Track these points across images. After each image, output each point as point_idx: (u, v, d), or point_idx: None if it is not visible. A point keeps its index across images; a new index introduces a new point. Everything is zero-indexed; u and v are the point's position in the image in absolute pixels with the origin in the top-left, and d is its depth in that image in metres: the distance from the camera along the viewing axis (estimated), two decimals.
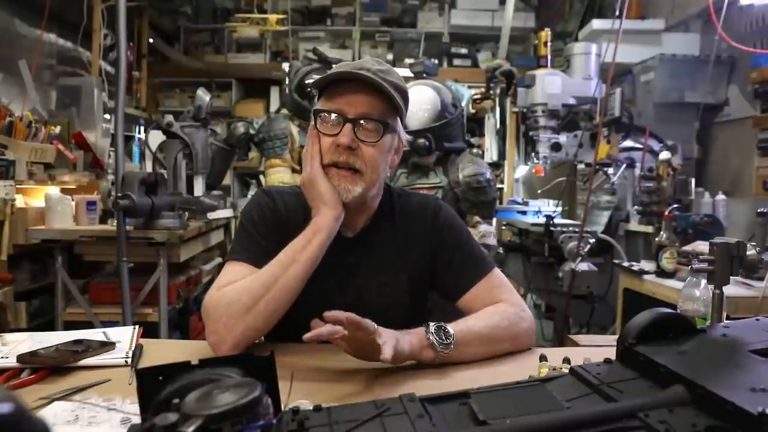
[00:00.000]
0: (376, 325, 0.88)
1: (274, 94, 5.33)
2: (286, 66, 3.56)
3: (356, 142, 1.05)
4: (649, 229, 3.03)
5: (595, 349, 1.06)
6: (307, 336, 0.84)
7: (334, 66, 1.15)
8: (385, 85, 1.04)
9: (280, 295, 1.01)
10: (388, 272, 1.15)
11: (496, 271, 1.16)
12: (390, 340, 0.89)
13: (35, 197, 2.72)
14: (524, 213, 4.07)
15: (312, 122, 1.11)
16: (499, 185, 4.81)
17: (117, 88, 2.31)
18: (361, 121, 1.05)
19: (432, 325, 0.98)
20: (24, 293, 2.48)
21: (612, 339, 1.15)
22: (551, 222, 3.14)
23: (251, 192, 5.38)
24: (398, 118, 1.11)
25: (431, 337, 0.96)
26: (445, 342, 0.96)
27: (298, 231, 1.06)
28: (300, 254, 1.03)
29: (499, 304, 1.10)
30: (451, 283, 1.16)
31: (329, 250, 1.13)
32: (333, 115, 1.06)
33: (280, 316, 1.03)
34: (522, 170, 5.15)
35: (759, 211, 2.42)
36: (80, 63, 4.07)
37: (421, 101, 2.50)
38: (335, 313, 0.85)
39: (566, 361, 0.93)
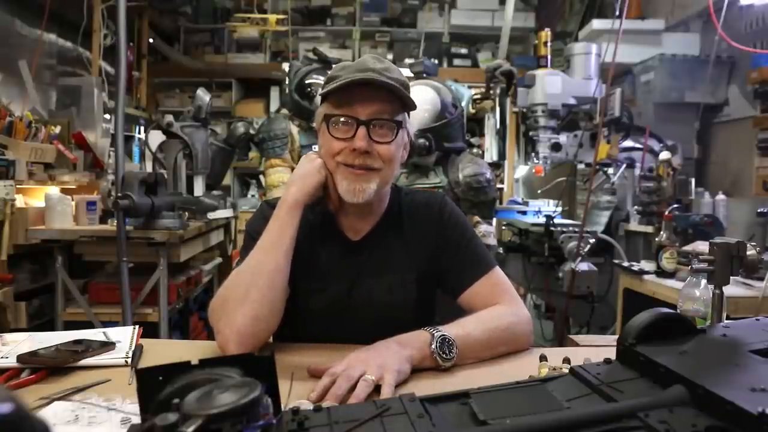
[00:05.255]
0: (373, 378, 0.85)
1: (274, 94, 5.34)
2: (286, 66, 3.56)
3: (371, 144, 1.05)
4: (649, 229, 3.03)
5: (595, 349, 1.06)
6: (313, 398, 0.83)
7: (333, 66, 1.14)
8: (394, 85, 1.04)
9: (270, 277, 1.00)
10: (397, 271, 1.16)
11: (498, 270, 1.17)
12: (389, 378, 0.86)
13: (35, 197, 2.72)
14: (524, 213, 4.08)
15: (321, 126, 1.11)
16: (499, 185, 4.81)
17: (117, 88, 2.31)
18: (374, 123, 1.05)
19: (437, 336, 0.96)
20: (24, 293, 2.47)
21: (612, 339, 1.15)
22: (551, 222, 3.14)
23: (251, 192, 5.39)
24: (406, 114, 1.12)
25: (435, 351, 0.95)
26: (449, 357, 0.96)
27: (301, 245, 1.07)
28: (277, 234, 1.03)
29: (497, 306, 1.10)
30: (452, 279, 1.16)
31: (336, 255, 1.15)
32: (345, 119, 1.05)
33: (278, 301, 1.02)
34: (522, 170, 5.15)
35: (759, 211, 2.42)
36: (80, 63, 4.07)
37: (421, 101, 2.50)
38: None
39: (566, 361, 0.93)
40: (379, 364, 0.87)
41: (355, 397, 0.81)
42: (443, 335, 0.97)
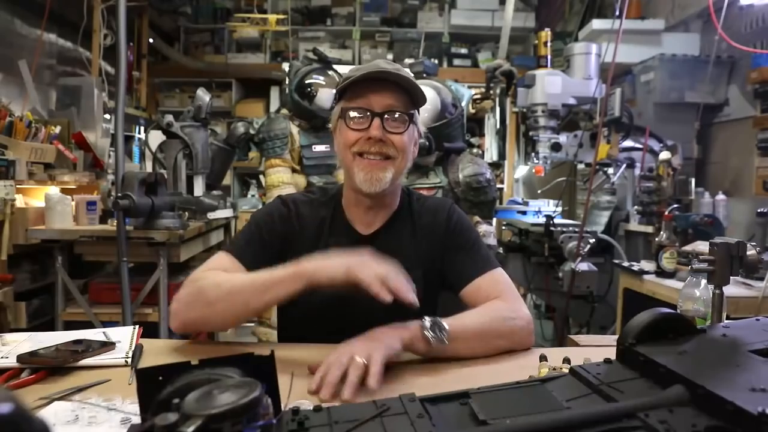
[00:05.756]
0: (363, 360, 0.89)
1: (274, 94, 5.33)
2: (286, 66, 3.55)
3: (386, 134, 1.12)
4: (649, 229, 3.03)
5: (595, 349, 1.06)
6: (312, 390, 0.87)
7: (348, 69, 1.20)
8: (406, 78, 1.13)
9: (242, 309, 1.03)
10: (405, 266, 1.16)
11: (501, 270, 1.20)
12: (377, 356, 0.89)
13: (35, 197, 2.72)
14: (524, 213, 4.07)
15: (337, 123, 1.17)
16: (499, 185, 4.81)
17: (117, 88, 2.31)
18: (387, 115, 1.12)
19: (428, 320, 0.99)
20: (24, 293, 2.47)
21: (612, 339, 1.15)
22: (551, 222, 3.14)
23: (251, 192, 5.38)
24: (416, 111, 1.19)
25: (426, 333, 0.98)
26: (440, 336, 0.98)
27: (310, 242, 1.12)
28: (271, 287, 1.00)
29: (495, 300, 1.12)
30: (456, 274, 1.20)
31: (345, 248, 1.15)
32: (361, 112, 1.13)
33: (236, 323, 1.10)
34: (522, 170, 5.15)
35: (759, 211, 2.42)
36: (80, 63, 4.07)
37: None
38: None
39: (566, 361, 0.93)
40: (367, 345, 0.91)
41: (349, 384, 0.84)
42: (435, 318, 1.00)
